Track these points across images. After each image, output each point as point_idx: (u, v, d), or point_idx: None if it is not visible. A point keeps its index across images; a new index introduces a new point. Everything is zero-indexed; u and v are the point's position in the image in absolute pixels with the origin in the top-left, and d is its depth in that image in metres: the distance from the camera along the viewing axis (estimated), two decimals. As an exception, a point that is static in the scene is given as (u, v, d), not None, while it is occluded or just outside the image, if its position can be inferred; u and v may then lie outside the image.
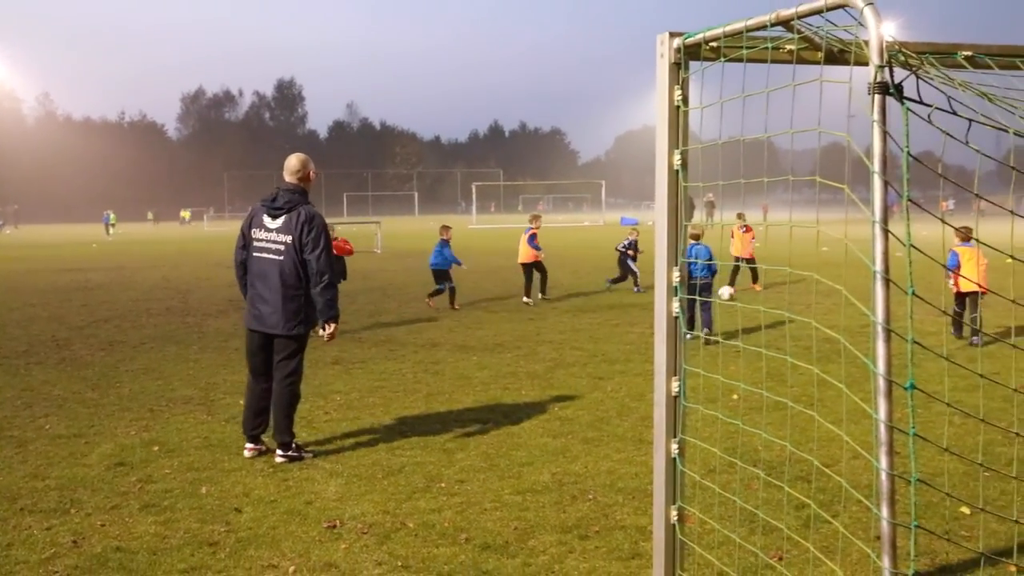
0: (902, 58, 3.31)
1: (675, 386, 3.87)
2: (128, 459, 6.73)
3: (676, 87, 3.80)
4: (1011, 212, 3.15)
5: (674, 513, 3.93)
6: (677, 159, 3.81)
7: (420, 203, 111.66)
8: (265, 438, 6.89)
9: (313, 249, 6.61)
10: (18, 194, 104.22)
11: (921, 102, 3.01)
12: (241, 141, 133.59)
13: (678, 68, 3.80)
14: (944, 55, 3.58)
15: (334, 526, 5.34)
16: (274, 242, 6.68)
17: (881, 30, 2.87)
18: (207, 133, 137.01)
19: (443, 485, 6.08)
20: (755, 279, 18.80)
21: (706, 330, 12.18)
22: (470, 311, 15.56)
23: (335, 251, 14.85)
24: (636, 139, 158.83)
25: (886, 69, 2.88)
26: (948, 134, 3.07)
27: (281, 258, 6.64)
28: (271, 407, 6.82)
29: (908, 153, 2.88)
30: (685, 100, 3.81)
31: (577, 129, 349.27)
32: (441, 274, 16.16)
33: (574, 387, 9.14)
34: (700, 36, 3.68)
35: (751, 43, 3.69)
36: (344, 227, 53.50)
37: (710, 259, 12.14)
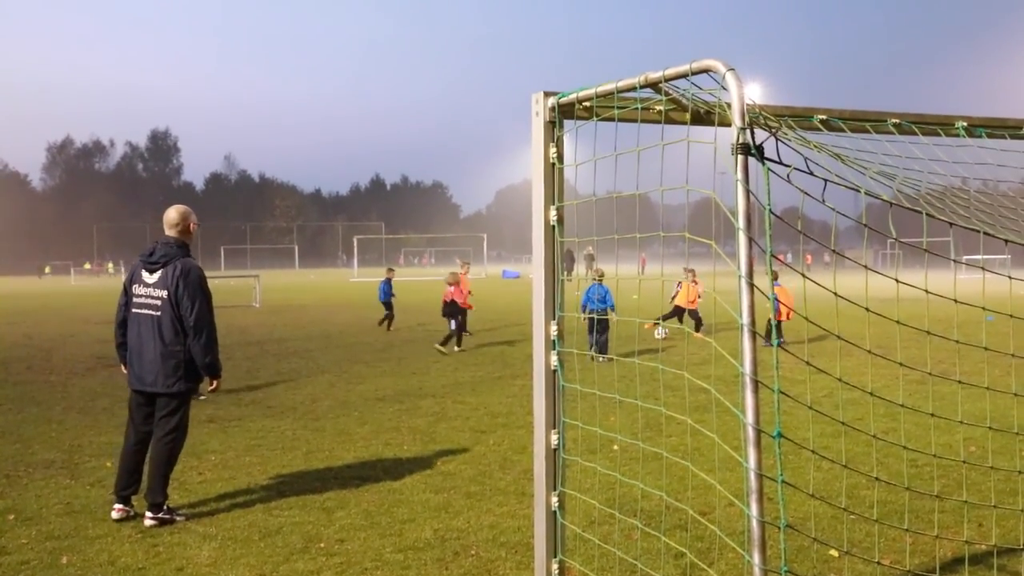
0: (763, 120, 3.49)
1: (554, 439, 3.90)
2: (-19, 529, 6.31)
3: (551, 145, 3.90)
4: (865, 267, 3.34)
5: (555, 566, 3.93)
6: (553, 215, 3.89)
7: (300, 256, 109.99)
8: (135, 501, 6.59)
9: (189, 304, 6.47)
10: None
11: (780, 162, 3.17)
12: (112, 192, 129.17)
13: (553, 126, 3.90)
14: (801, 118, 3.80)
15: (206, 593, 5.12)
16: (151, 297, 6.52)
17: (743, 94, 3.02)
18: (75, 184, 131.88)
19: (322, 545, 5.92)
20: (698, 327, 20.00)
21: (601, 356, 15.02)
22: (351, 365, 15.34)
23: (455, 296, 16.28)
24: (517, 193, 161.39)
25: (748, 131, 3.03)
26: (806, 193, 3.25)
27: (158, 313, 6.49)
28: (147, 465, 6.54)
29: (770, 211, 3.03)
30: (560, 157, 3.91)
31: (459, 183, 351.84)
32: (388, 304, 22.40)
33: (456, 441, 9.09)
34: (573, 96, 3.80)
35: (622, 103, 3.83)
36: (221, 281, 52.19)
37: (604, 296, 15.83)
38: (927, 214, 3.55)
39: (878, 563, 5.30)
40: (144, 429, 6.62)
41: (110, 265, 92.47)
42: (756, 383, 2.94)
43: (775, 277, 17.06)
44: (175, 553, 5.81)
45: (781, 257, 2.85)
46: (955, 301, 3.62)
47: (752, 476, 2.93)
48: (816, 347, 17.17)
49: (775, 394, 2.90)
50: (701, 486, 6.98)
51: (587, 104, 3.84)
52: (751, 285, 2.97)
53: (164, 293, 6.49)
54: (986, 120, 4.06)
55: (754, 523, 2.94)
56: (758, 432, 2.93)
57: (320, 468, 8.02)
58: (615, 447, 8.35)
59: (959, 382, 4.36)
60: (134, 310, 6.60)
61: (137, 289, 6.61)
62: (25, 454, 8.71)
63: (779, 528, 3.01)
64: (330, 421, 10.29)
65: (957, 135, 4.03)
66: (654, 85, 3.48)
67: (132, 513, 6.54)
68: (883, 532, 5.95)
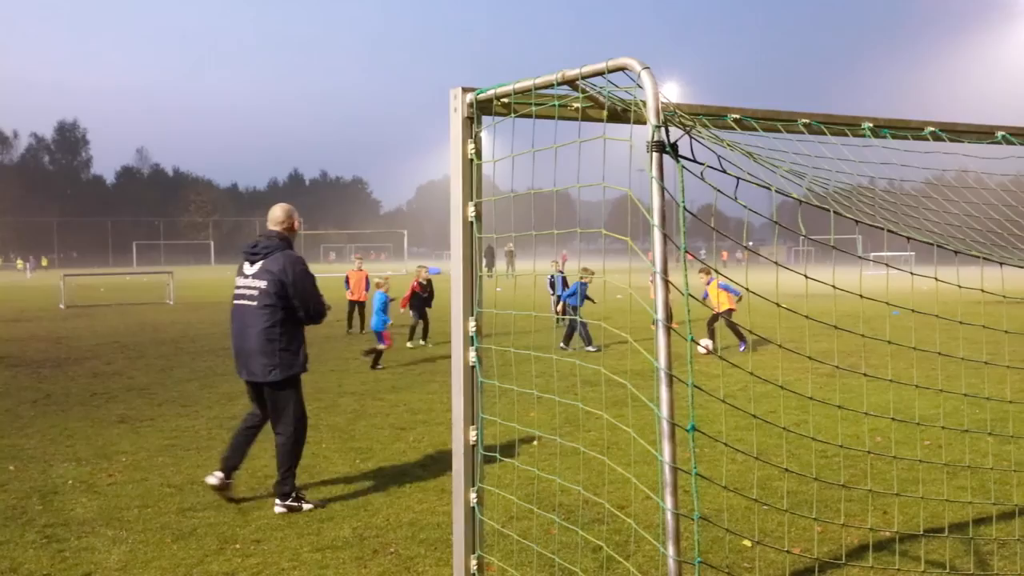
0: (677, 118, 3.54)
1: (473, 435, 3.91)
2: None
3: (469, 141, 3.89)
4: (775, 263, 3.42)
5: (474, 562, 3.94)
6: (471, 211, 3.89)
7: (217, 252, 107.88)
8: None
9: (299, 294, 6.57)
10: None
11: (694, 160, 3.23)
12: (16, 185, 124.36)
13: (471, 122, 3.90)
14: (715, 116, 3.87)
15: (116, 597, 4.98)
16: (250, 288, 6.60)
17: (657, 92, 3.06)
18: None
19: (238, 546, 5.81)
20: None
21: (591, 347, 16.39)
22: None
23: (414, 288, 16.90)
24: (437, 189, 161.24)
25: (662, 129, 3.07)
26: (719, 191, 3.31)
27: (255, 303, 6.54)
28: (276, 456, 6.70)
29: (684, 208, 3.08)
30: (478, 153, 3.91)
31: (379, 178, 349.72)
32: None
33: (376, 438, 9.02)
34: (492, 92, 3.80)
35: (540, 100, 3.85)
36: (133, 278, 50.72)
37: (574, 291, 16.59)
38: (835, 212, 3.66)
39: (788, 552, 5.44)
40: (257, 415, 6.83)
41: (19, 262, 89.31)
42: (671, 377, 2.98)
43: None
44: (82, 558, 5.63)
45: (692, 255, 2.91)
46: (861, 296, 3.74)
47: (667, 469, 2.98)
48: (730, 341, 17.54)
49: (689, 388, 2.95)
50: (619, 480, 7.07)
51: (505, 100, 3.84)
52: (666, 281, 3.02)
53: (263, 284, 6.53)
54: (890, 121, 4.20)
55: (668, 516, 2.99)
56: (672, 426, 2.98)
57: (236, 468, 7.86)
58: (534, 443, 8.39)
59: (865, 375, 4.51)
60: (236, 301, 6.69)
61: (239, 280, 6.71)
62: (-78, 458, 8.35)
63: (693, 520, 3.06)
64: (246, 420, 10.10)
65: (864, 135, 4.17)
66: (571, 82, 3.50)
67: (230, 485, 6.73)
68: (793, 522, 6.12)
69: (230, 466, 6.75)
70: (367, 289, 20.08)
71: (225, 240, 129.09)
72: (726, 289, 16.52)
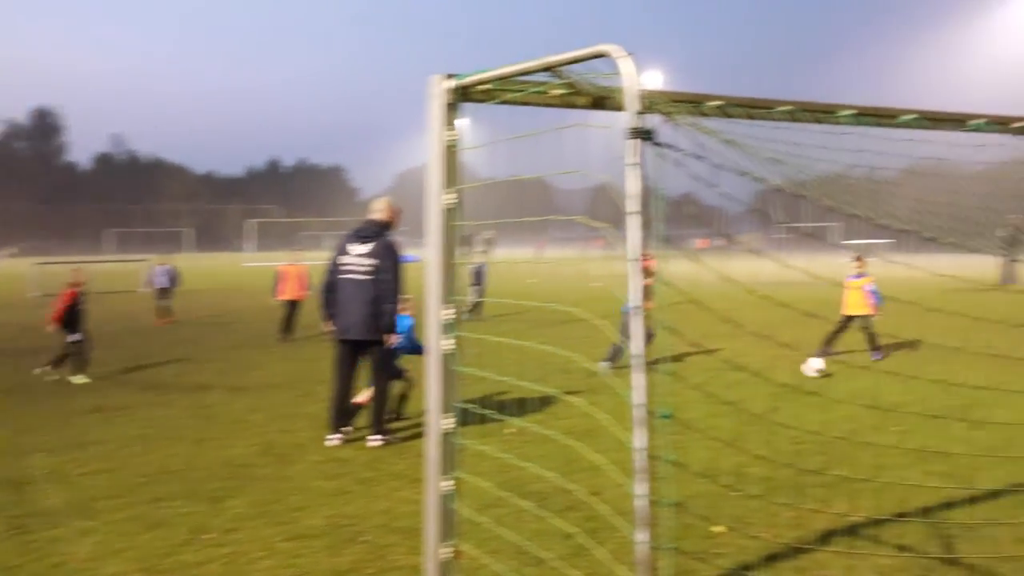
0: (658, 106, 3.52)
1: (447, 423, 3.88)
2: None
3: (448, 128, 3.86)
4: (754, 251, 3.41)
5: (446, 550, 3.92)
6: (449, 199, 3.86)
7: (194, 240, 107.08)
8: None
9: (390, 272, 8.02)
10: None
11: (673, 148, 3.21)
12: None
13: (451, 109, 3.86)
14: (696, 104, 3.85)
15: (86, 587, 4.92)
16: (360, 264, 8.06)
17: (637, 79, 3.04)
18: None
19: (211, 536, 5.77)
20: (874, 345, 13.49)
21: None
22: (243, 351, 14.99)
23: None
24: (417, 176, 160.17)
25: (641, 116, 3.05)
26: (698, 179, 3.30)
27: (365, 278, 8.06)
28: (374, 402, 8.38)
29: (661, 196, 3.06)
30: (458, 140, 3.87)
31: (358, 166, 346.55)
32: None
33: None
34: (472, 79, 3.76)
35: (521, 87, 3.82)
36: (108, 265, 50.32)
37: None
38: (812, 199, 3.65)
39: (757, 537, 5.46)
40: (348, 374, 8.44)
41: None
42: (645, 364, 2.97)
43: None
44: (51, 549, 5.56)
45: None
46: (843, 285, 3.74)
47: (639, 456, 2.97)
48: (706, 329, 17.57)
49: (665, 375, 2.94)
50: (593, 467, 7.06)
51: (486, 87, 3.81)
52: (640, 270, 3.00)
53: (373, 262, 8.05)
54: (869, 109, 4.20)
55: (640, 502, 2.98)
56: (646, 412, 2.97)
57: (210, 457, 7.81)
58: (508, 431, 8.38)
59: (839, 356, 4.53)
60: (342, 276, 8.15)
61: (343, 259, 8.18)
62: None
63: (665, 507, 3.06)
64: (222, 408, 10.03)
65: (842, 123, 4.16)
66: (552, 69, 3.47)
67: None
68: (764, 508, 6.14)
69: (350, 414, 8.45)
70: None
71: (203, 228, 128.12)
72: (872, 293, 13.50)
